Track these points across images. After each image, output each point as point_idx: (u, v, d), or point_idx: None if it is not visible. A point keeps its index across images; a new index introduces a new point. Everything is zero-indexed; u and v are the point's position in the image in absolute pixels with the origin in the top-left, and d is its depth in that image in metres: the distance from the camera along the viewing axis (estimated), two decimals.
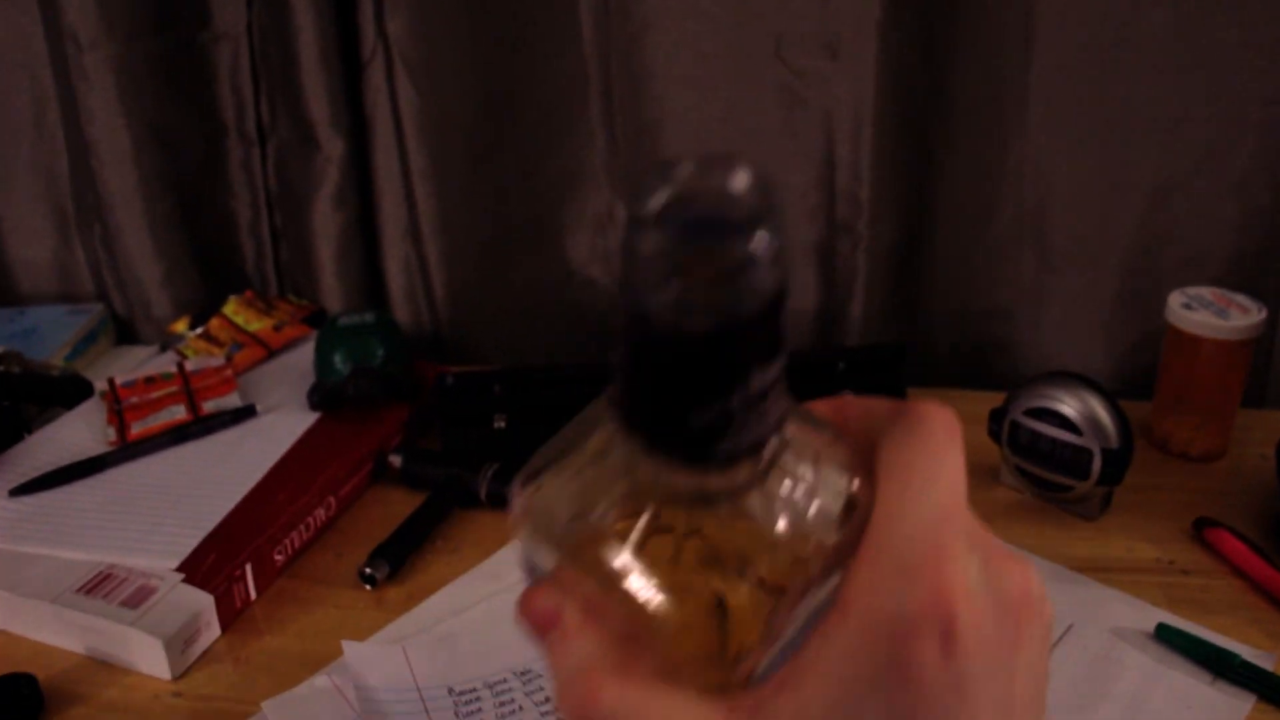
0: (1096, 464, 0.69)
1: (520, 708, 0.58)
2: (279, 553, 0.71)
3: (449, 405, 0.84)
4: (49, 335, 0.95)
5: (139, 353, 0.99)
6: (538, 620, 0.31)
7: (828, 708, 0.27)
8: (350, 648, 0.62)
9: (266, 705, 0.59)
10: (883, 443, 0.29)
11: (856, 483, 0.29)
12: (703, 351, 0.26)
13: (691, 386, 0.26)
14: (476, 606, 0.67)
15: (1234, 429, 0.79)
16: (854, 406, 0.31)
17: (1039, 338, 0.90)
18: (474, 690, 0.60)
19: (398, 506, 0.76)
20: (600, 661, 0.29)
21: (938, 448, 0.29)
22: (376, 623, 0.66)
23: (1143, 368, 0.85)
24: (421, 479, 0.79)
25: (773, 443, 0.28)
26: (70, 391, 0.86)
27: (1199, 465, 0.78)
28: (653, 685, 0.28)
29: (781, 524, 0.29)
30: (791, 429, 0.29)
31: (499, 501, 0.76)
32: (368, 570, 0.69)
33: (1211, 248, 0.84)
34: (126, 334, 1.03)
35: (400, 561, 0.71)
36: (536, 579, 0.32)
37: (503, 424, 0.82)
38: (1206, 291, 0.77)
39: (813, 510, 0.29)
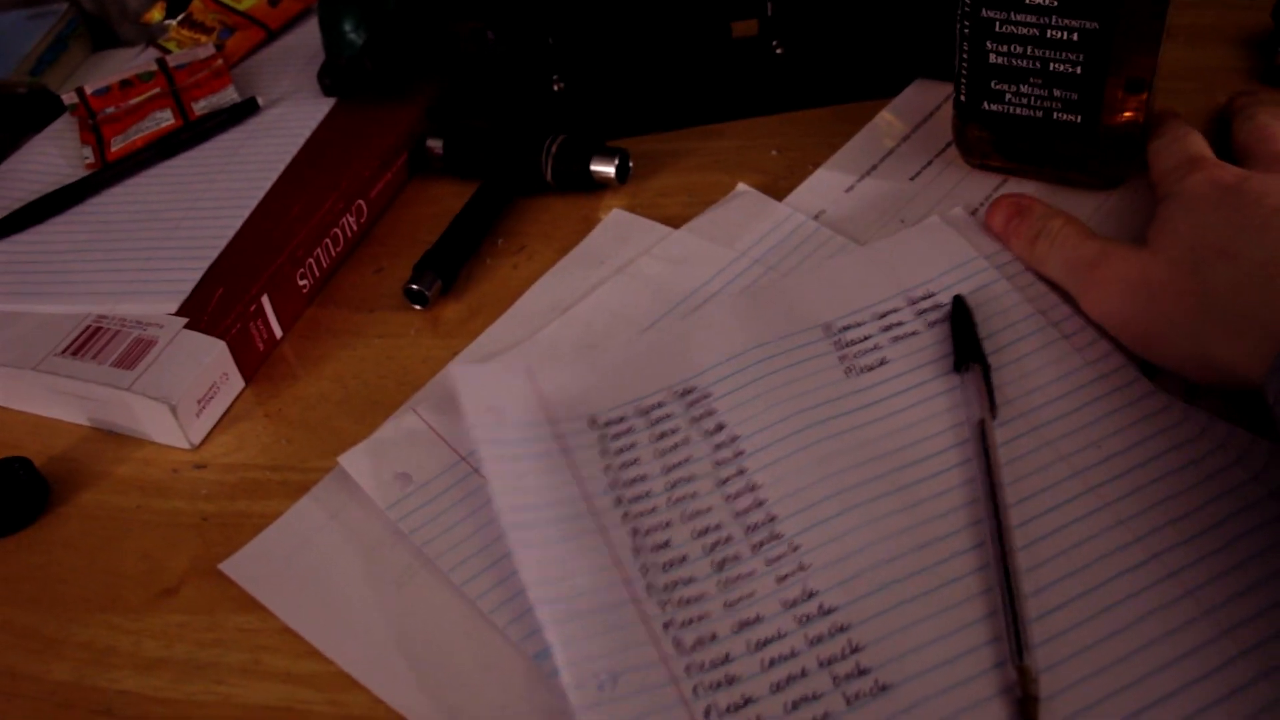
0: None
1: (687, 438, 0.44)
2: (303, 277, 0.56)
3: (494, 69, 0.67)
4: (8, 46, 0.79)
5: (123, 55, 0.82)
6: (1009, 205, 0.49)
7: (1184, 224, 0.43)
8: (462, 371, 0.47)
9: (344, 459, 0.46)
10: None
11: None
12: None
13: None
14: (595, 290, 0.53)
15: None
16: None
17: None
18: (623, 420, 0.46)
19: (445, 203, 0.60)
20: (1059, 212, 0.48)
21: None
22: (434, 351, 0.52)
23: None
24: (469, 165, 0.63)
25: None
26: (37, 111, 0.71)
27: None
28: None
29: None
30: None
31: (570, 183, 0.60)
32: (414, 286, 0.54)
33: None
34: (105, 36, 0.86)
35: (454, 271, 0.56)
36: None
37: (562, 86, 0.64)
38: None
39: None
